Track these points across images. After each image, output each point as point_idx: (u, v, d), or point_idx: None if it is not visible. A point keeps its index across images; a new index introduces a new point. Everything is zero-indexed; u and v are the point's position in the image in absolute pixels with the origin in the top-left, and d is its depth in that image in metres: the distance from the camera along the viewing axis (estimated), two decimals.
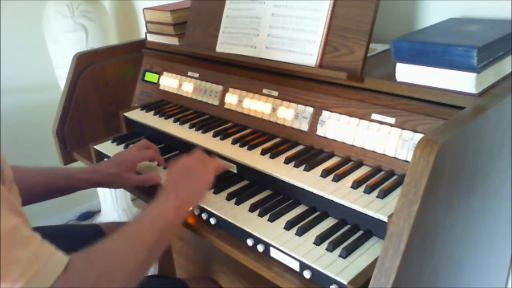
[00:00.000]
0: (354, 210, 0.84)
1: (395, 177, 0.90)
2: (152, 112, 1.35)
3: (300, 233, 0.86)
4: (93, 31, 2.08)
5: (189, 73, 1.39)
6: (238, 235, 0.92)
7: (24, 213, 0.71)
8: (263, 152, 1.05)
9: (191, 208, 0.90)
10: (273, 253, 0.86)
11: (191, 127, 1.23)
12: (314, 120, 1.06)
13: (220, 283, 1.43)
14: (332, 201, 0.87)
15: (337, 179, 0.91)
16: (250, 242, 0.89)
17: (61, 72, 2.09)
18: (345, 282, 0.73)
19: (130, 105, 1.55)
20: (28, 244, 0.66)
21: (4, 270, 0.62)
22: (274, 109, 1.13)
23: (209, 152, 1.11)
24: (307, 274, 0.80)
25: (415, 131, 0.89)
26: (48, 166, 1.10)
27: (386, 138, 0.92)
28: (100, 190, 2.47)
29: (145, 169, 1.16)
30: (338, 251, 0.81)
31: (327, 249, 0.81)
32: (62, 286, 0.65)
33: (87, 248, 0.73)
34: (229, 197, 0.99)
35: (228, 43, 1.26)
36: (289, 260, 0.83)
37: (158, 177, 1.09)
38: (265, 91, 1.17)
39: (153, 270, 1.93)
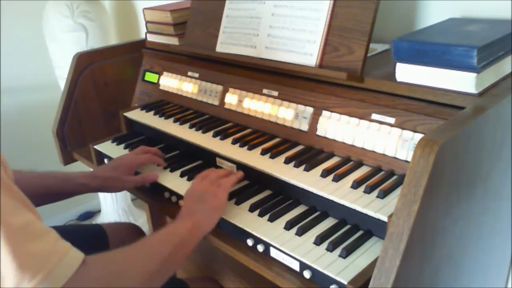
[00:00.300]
0: (354, 210, 0.84)
1: (395, 177, 0.90)
2: (152, 112, 1.35)
3: (300, 233, 0.86)
4: (93, 31, 2.08)
5: (189, 73, 1.39)
6: (238, 235, 0.92)
7: (35, 210, 0.72)
8: (263, 152, 1.05)
9: (208, 230, 0.92)
10: (273, 253, 0.86)
11: (191, 127, 1.23)
12: (314, 120, 1.06)
13: (220, 283, 1.43)
14: (332, 201, 0.87)
15: (337, 179, 0.91)
16: (250, 242, 0.89)
17: (61, 72, 2.09)
18: (345, 282, 0.74)
19: (130, 105, 1.55)
20: (43, 239, 0.67)
21: (20, 265, 0.63)
22: (274, 109, 1.13)
23: (210, 153, 1.11)
24: (307, 274, 0.80)
25: (415, 131, 0.89)
26: (47, 171, 1.11)
27: (386, 138, 0.92)
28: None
29: (146, 168, 1.16)
30: (338, 251, 0.81)
31: (327, 249, 0.81)
32: (77, 284, 0.67)
33: (104, 253, 0.75)
34: (229, 197, 0.99)
35: (228, 43, 1.26)
36: (289, 260, 0.83)
37: (155, 175, 1.10)
38: (265, 91, 1.17)
39: None
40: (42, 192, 1.06)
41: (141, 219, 2.45)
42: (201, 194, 0.94)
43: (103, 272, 0.72)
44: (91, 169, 1.40)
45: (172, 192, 1.06)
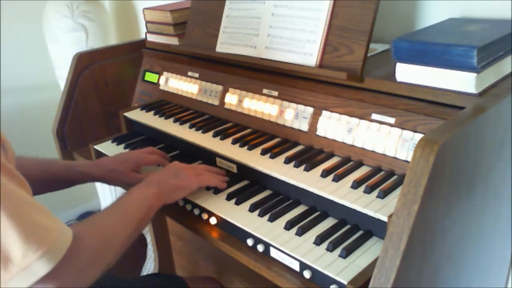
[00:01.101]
0: (354, 210, 0.84)
1: (395, 177, 0.90)
2: (152, 112, 1.35)
3: (300, 233, 0.86)
4: (93, 31, 2.08)
5: (189, 73, 1.39)
6: (238, 235, 0.92)
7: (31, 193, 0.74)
8: (263, 152, 1.05)
9: (166, 203, 0.96)
10: (273, 253, 0.86)
11: (191, 127, 1.23)
12: (314, 120, 1.06)
13: (221, 283, 1.43)
14: (332, 201, 0.87)
15: (337, 179, 0.91)
16: (250, 242, 0.89)
17: (61, 72, 2.09)
18: (345, 282, 0.74)
19: (130, 105, 1.55)
20: (43, 214, 0.69)
21: (26, 236, 0.65)
22: (274, 109, 1.13)
23: (210, 153, 1.11)
24: (307, 274, 0.80)
25: (415, 131, 0.89)
26: (49, 158, 1.11)
27: (386, 138, 0.92)
28: (100, 190, 2.47)
29: (146, 168, 1.16)
30: (338, 251, 0.81)
31: (327, 249, 0.81)
32: (75, 256, 0.70)
33: (88, 219, 0.82)
34: (229, 197, 0.99)
35: (228, 43, 1.26)
36: (289, 260, 0.83)
37: None
38: (265, 91, 1.17)
39: (153, 270, 1.93)
40: (45, 178, 1.06)
41: None
42: (177, 171, 1.00)
43: (93, 242, 0.76)
44: None
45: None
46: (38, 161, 1.08)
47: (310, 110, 1.07)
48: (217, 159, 1.12)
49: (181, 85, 1.39)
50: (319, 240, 0.83)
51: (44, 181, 1.06)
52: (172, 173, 0.99)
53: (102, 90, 1.51)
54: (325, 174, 0.93)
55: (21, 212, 0.66)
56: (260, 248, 0.87)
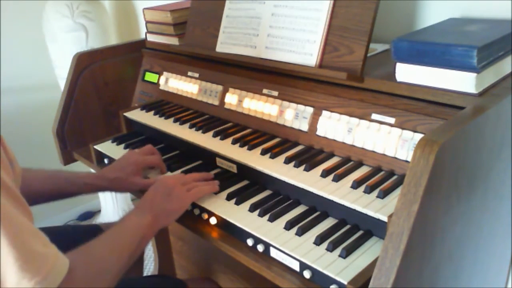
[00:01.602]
0: (354, 210, 0.84)
1: (395, 177, 0.90)
2: (152, 112, 1.35)
3: (300, 233, 0.86)
4: (93, 31, 2.08)
5: (189, 73, 1.39)
6: (238, 235, 0.92)
7: (30, 211, 0.74)
8: (263, 152, 1.05)
9: (162, 227, 0.95)
10: (273, 253, 0.86)
11: (191, 127, 1.23)
12: (314, 120, 1.05)
13: (220, 283, 1.43)
14: (332, 201, 0.87)
15: (337, 179, 0.91)
16: (250, 242, 0.89)
17: (61, 72, 2.09)
18: (345, 282, 0.74)
19: (130, 105, 1.55)
20: (39, 241, 0.69)
21: (22, 264, 0.64)
22: (274, 109, 1.13)
23: (210, 153, 1.11)
24: (307, 274, 0.80)
25: (415, 131, 0.89)
26: (53, 170, 1.12)
27: (386, 138, 0.92)
28: (101, 192, 2.47)
29: (149, 170, 1.16)
30: (338, 251, 0.81)
31: (327, 249, 0.81)
32: (68, 285, 0.70)
33: (82, 249, 0.79)
34: (229, 197, 0.99)
35: (228, 43, 1.26)
36: (289, 260, 0.83)
37: None
38: (265, 91, 1.17)
39: (153, 270, 1.93)
40: (47, 192, 1.08)
41: None
42: (169, 191, 0.96)
43: (87, 274, 0.76)
44: (91, 169, 1.41)
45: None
46: (42, 175, 1.09)
47: (310, 110, 1.07)
48: (217, 159, 1.12)
49: (181, 85, 1.39)
50: (319, 240, 0.83)
51: (49, 193, 1.08)
52: (164, 193, 0.96)
53: (102, 90, 1.51)
54: (325, 174, 0.93)
55: (19, 237, 0.65)
56: (260, 248, 0.87)
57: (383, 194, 0.84)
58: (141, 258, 1.51)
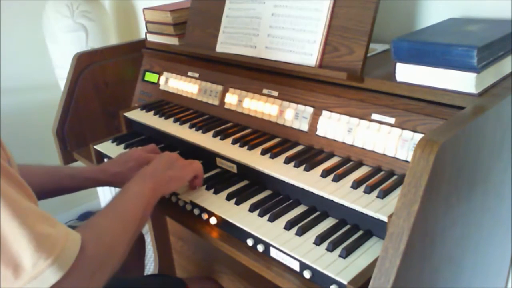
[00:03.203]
0: (354, 210, 0.84)
1: (395, 177, 0.90)
2: (152, 112, 1.35)
3: (300, 233, 0.86)
4: (93, 31, 2.08)
5: (189, 73, 1.39)
6: (238, 235, 0.92)
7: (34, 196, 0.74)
8: (263, 152, 1.05)
9: (162, 195, 0.95)
10: (273, 253, 0.86)
11: (191, 127, 1.23)
12: (314, 120, 1.06)
13: (220, 283, 1.43)
14: (332, 201, 0.87)
15: (337, 179, 0.91)
16: (250, 242, 0.89)
17: (61, 72, 2.09)
18: (345, 282, 0.74)
19: (130, 105, 1.55)
20: (48, 221, 0.69)
21: (37, 244, 0.65)
22: (274, 109, 1.13)
23: (210, 153, 1.11)
24: (307, 274, 0.80)
25: (415, 131, 0.89)
26: (54, 166, 1.11)
27: (386, 138, 0.92)
28: (100, 190, 2.47)
29: None
30: (338, 251, 0.81)
31: (327, 249, 0.81)
32: (82, 264, 0.70)
33: (89, 224, 0.80)
34: (229, 197, 0.99)
35: (228, 43, 1.26)
36: (289, 260, 0.83)
37: None
38: (265, 91, 1.17)
39: (153, 270, 1.93)
40: (50, 187, 1.07)
41: None
42: (172, 162, 0.99)
43: (98, 250, 0.75)
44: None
45: (172, 192, 1.06)
46: (42, 171, 1.08)
47: (310, 110, 1.07)
48: (217, 159, 1.12)
49: (181, 85, 1.39)
50: (319, 240, 0.83)
51: (49, 188, 1.07)
52: (166, 163, 0.98)
53: (102, 90, 1.51)
54: (325, 174, 0.93)
55: (30, 220, 0.65)
56: (260, 248, 0.87)
57: (383, 194, 0.84)
58: (142, 257, 1.51)
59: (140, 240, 1.46)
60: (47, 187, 1.06)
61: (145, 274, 1.70)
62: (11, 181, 0.67)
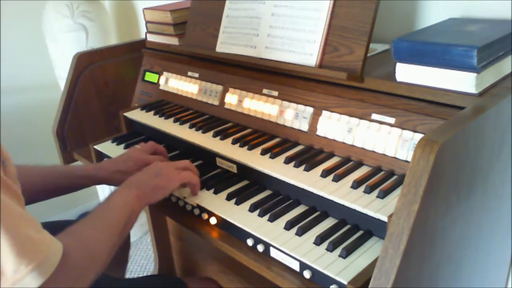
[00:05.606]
0: (354, 210, 0.84)
1: (395, 177, 0.90)
2: (152, 112, 1.35)
3: (300, 233, 0.86)
4: (93, 31, 2.08)
5: (189, 73, 1.39)
6: (238, 235, 0.92)
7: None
8: (263, 152, 1.05)
9: (148, 204, 0.96)
10: (273, 253, 0.86)
11: (191, 127, 1.23)
12: (314, 120, 1.06)
13: (220, 283, 1.43)
14: (332, 201, 0.87)
15: (337, 179, 0.91)
16: (250, 242, 0.89)
17: (61, 72, 2.09)
18: (345, 282, 0.74)
19: (130, 105, 1.55)
20: (33, 227, 0.69)
21: (19, 251, 0.64)
22: (274, 109, 1.13)
23: (210, 153, 1.11)
24: (307, 274, 0.80)
25: (415, 131, 0.89)
26: (51, 166, 1.10)
27: (386, 138, 0.92)
28: (100, 191, 2.47)
29: None
30: (338, 251, 0.81)
31: (327, 249, 0.81)
32: (64, 272, 0.70)
33: (72, 232, 0.79)
34: (229, 197, 0.99)
35: (228, 43, 1.26)
36: (289, 260, 0.83)
37: None
38: (265, 91, 1.17)
39: (153, 270, 1.93)
40: (46, 188, 1.06)
41: (141, 219, 2.45)
42: (158, 171, 0.98)
43: (80, 257, 0.75)
44: None
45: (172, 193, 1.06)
46: (39, 171, 1.08)
47: (310, 110, 1.07)
48: (217, 159, 1.12)
49: (181, 85, 1.39)
50: (319, 240, 0.83)
51: (45, 189, 1.06)
52: (153, 173, 0.97)
53: (102, 90, 1.51)
54: (325, 174, 0.93)
55: (14, 225, 0.65)
56: (260, 248, 0.87)
57: (383, 194, 0.84)
58: (125, 259, 1.49)
59: (125, 243, 1.45)
60: (42, 188, 1.05)
61: (145, 274, 1.70)
62: (5, 187, 0.67)
